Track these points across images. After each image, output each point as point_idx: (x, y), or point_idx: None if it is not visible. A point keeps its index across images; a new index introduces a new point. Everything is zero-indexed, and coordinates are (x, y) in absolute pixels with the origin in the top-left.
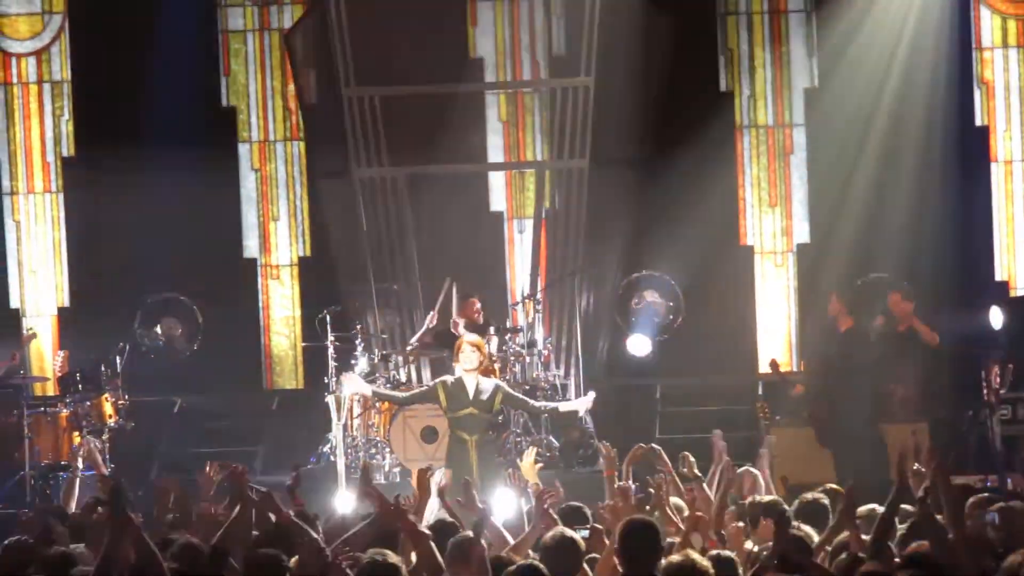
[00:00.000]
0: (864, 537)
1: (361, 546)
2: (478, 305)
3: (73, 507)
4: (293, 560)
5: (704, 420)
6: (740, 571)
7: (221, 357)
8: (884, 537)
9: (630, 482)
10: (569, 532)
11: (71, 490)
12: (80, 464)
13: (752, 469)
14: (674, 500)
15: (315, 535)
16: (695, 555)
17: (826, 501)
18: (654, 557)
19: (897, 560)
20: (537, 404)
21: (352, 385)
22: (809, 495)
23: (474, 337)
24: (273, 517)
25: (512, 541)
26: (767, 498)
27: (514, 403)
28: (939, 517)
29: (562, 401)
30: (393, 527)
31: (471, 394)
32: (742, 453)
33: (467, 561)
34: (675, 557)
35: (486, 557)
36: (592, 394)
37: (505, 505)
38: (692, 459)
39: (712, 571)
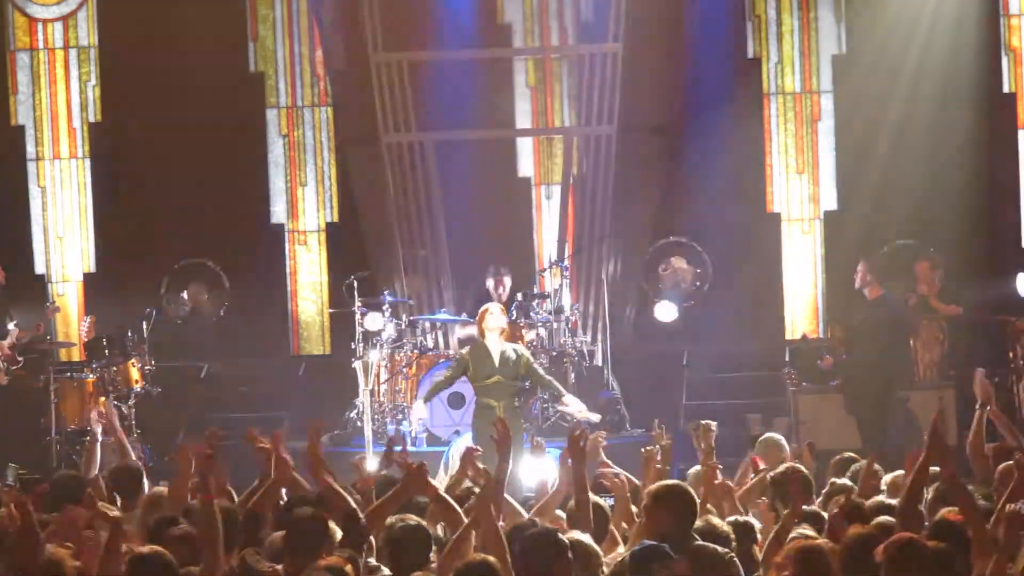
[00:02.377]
0: (890, 502)
1: (390, 514)
2: (507, 283)
3: (94, 473)
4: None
5: (731, 386)
6: (759, 537)
7: (248, 323)
8: (915, 502)
9: (655, 448)
10: (595, 498)
11: (91, 456)
12: (99, 430)
13: (775, 435)
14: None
15: (351, 501)
16: (715, 519)
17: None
18: (690, 520)
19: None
20: (547, 379)
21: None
22: (847, 455)
23: (499, 306)
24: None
25: (524, 512)
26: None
27: (532, 375)
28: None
29: (570, 395)
30: (419, 494)
31: (496, 361)
32: (769, 420)
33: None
34: (696, 522)
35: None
36: (597, 417)
37: (531, 472)
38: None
39: (732, 535)
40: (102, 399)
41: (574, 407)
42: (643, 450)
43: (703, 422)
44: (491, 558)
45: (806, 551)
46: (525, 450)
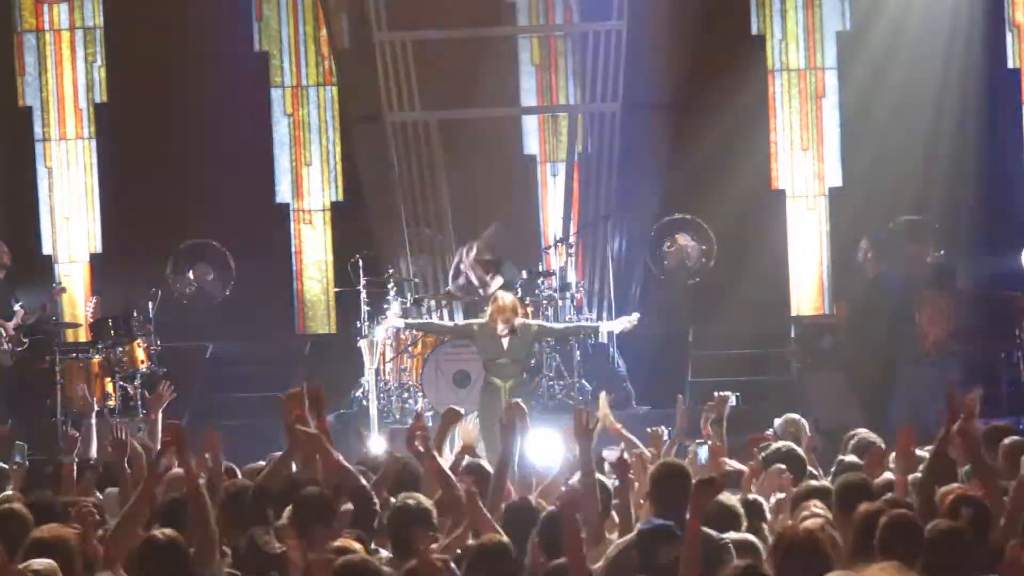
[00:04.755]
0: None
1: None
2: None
3: (93, 454)
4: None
5: (736, 364)
6: (768, 516)
7: (253, 302)
8: (931, 484)
9: (662, 428)
10: (600, 477)
11: (88, 438)
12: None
13: (794, 415)
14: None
15: (362, 480)
16: (725, 497)
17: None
18: (684, 501)
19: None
20: (569, 327)
21: (388, 323)
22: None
23: (509, 300)
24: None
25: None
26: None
27: (554, 334)
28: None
29: (605, 322)
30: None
31: (505, 344)
32: (775, 397)
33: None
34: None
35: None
36: (636, 315)
37: (539, 450)
38: (731, 400)
39: (742, 513)
40: (108, 380)
41: (620, 325)
42: (649, 430)
43: (721, 393)
44: (505, 539)
45: (809, 534)
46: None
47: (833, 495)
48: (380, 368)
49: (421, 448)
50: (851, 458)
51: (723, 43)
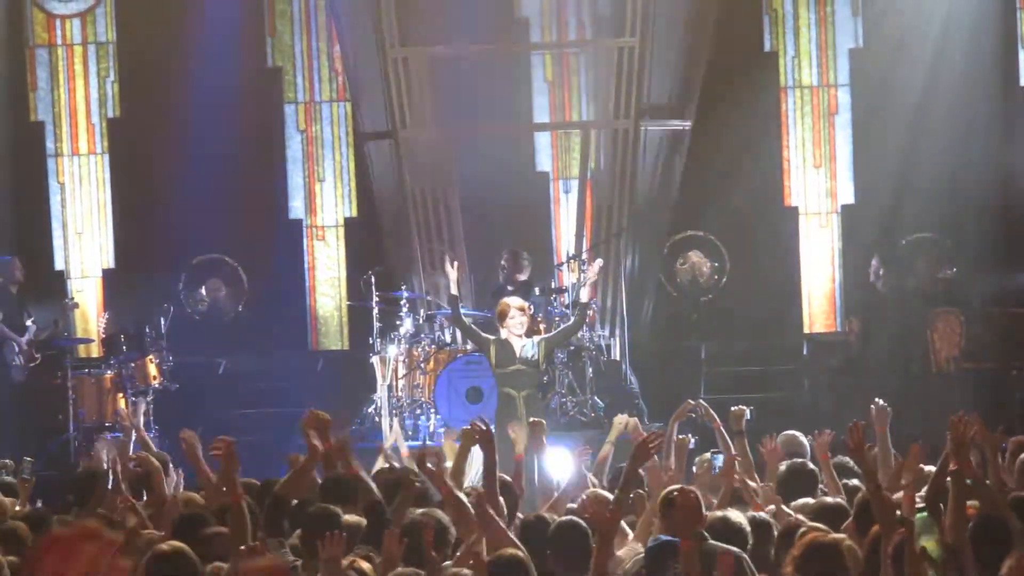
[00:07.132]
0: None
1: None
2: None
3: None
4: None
5: (749, 381)
6: (775, 533)
7: (266, 318)
8: (936, 503)
9: (688, 435)
10: (603, 492)
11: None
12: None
13: (794, 432)
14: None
15: (376, 492)
16: (732, 515)
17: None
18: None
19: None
20: (569, 323)
21: (451, 275)
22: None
23: (519, 301)
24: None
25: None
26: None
27: (558, 340)
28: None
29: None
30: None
31: (517, 351)
32: (786, 414)
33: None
34: (717, 513)
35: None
36: (599, 260)
37: (558, 466)
38: (746, 414)
39: (748, 529)
40: (120, 395)
41: (589, 276)
42: (676, 438)
43: (736, 407)
44: (520, 552)
45: (817, 546)
46: (548, 443)
47: (852, 513)
48: (392, 384)
49: (434, 469)
50: (854, 482)
51: (736, 60)
